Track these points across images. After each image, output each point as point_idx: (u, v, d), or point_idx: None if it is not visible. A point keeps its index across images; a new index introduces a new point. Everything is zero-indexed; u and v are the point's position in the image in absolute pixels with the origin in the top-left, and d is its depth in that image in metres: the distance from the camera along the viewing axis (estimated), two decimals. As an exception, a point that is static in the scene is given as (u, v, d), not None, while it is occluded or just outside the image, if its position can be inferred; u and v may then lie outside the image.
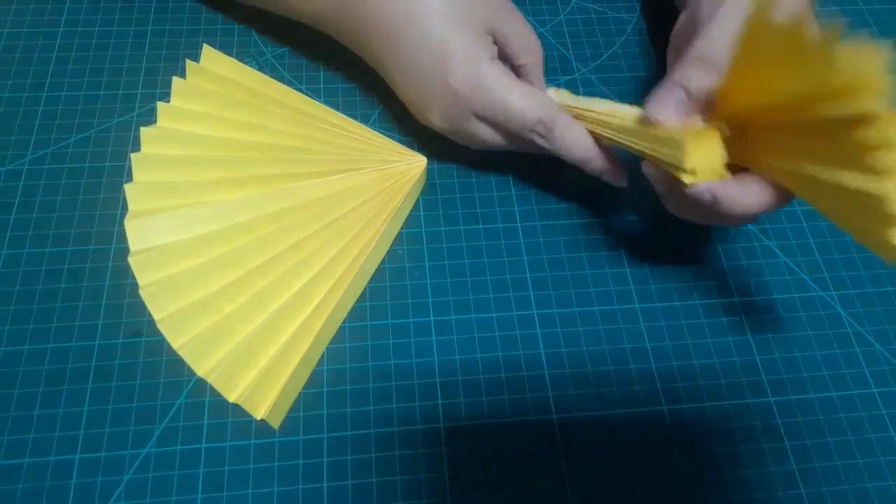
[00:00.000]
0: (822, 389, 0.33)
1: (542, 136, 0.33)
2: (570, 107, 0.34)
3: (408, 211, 0.37)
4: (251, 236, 0.34)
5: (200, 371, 0.31)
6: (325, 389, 0.32)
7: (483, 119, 0.34)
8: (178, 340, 0.31)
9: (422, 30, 0.33)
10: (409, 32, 0.34)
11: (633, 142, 0.30)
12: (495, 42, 0.35)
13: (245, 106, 0.37)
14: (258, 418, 0.30)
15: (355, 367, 0.33)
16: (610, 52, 0.45)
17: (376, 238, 0.34)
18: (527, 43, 0.35)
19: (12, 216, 0.36)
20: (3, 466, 0.30)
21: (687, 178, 0.27)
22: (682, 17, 0.35)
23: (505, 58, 0.36)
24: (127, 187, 0.35)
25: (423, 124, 0.37)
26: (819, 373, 0.34)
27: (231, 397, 0.31)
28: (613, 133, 0.31)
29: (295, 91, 0.38)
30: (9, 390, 0.31)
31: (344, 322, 0.34)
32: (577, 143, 0.32)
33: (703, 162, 0.27)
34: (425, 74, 0.34)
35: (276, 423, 0.31)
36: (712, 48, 0.29)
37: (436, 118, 0.35)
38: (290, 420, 0.31)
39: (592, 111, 0.33)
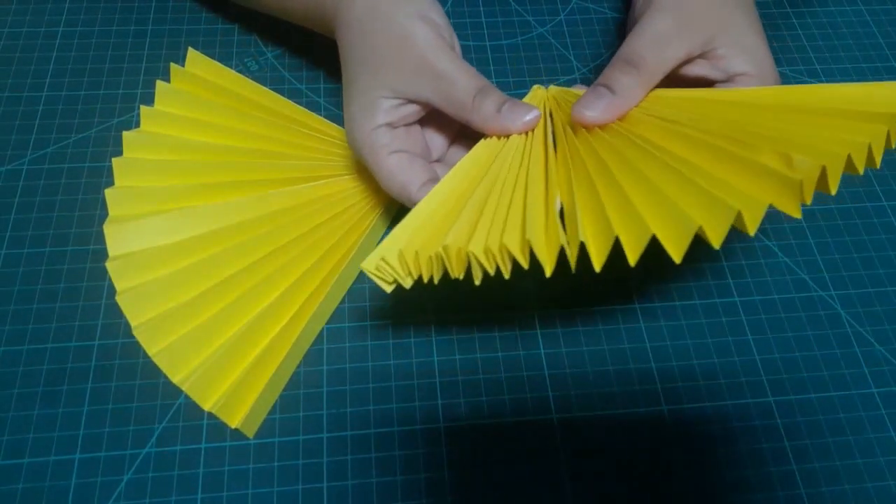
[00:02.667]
0: (822, 389, 0.33)
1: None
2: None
3: (391, 217, 0.37)
4: (230, 243, 0.34)
5: (175, 379, 0.31)
6: (324, 389, 0.32)
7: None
8: (154, 348, 0.31)
9: (343, 67, 0.34)
10: (341, 64, 0.34)
11: None
12: (413, 102, 0.32)
13: (228, 110, 0.37)
14: (233, 427, 0.30)
15: (355, 367, 0.33)
16: (610, 52, 0.45)
17: (357, 245, 0.34)
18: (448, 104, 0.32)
19: (12, 216, 0.36)
20: (3, 466, 0.30)
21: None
22: (632, 9, 0.36)
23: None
24: (107, 192, 0.35)
25: None
26: (819, 373, 0.34)
27: (206, 406, 0.31)
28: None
29: (280, 96, 0.38)
30: (9, 390, 0.31)
31: (344, 322, 0.34)
32: None
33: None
34: (345, 114, 0.33)
35: (250, 432, 0.31)
36: (634, 52, 0.31)
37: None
38: (290, 420, 0.31)
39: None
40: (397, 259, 0.27)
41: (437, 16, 0.32)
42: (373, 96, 0.31)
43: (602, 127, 0.30)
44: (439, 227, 0.28)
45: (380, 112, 0.31)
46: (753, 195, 0.23)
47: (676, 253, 0.22)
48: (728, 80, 0.32)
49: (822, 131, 0.25)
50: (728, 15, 0.32)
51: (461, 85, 0.30)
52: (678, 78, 0.33)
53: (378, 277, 0.28)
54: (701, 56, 0.32)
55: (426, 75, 0.31)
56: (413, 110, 0.32)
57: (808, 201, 0.23)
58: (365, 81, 0.32)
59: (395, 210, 0.37)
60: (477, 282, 0.26)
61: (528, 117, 0.30)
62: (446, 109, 0.31)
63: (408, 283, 0.28)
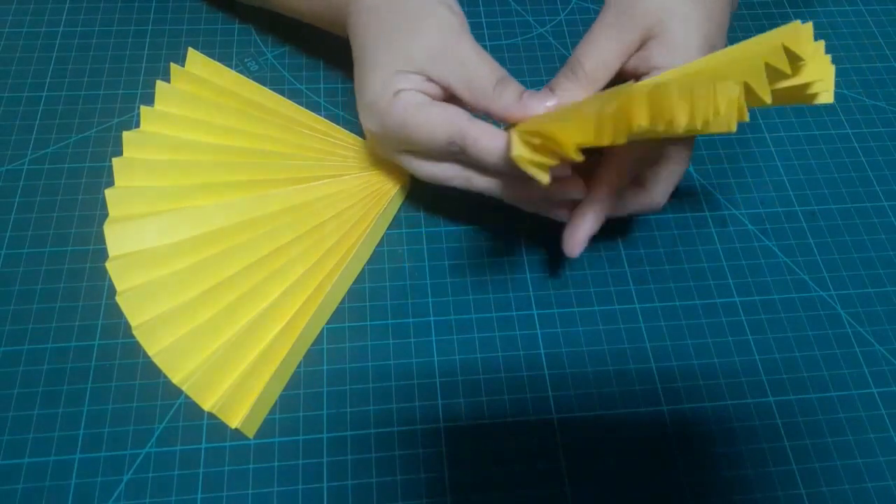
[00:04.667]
0: (822, 389, 0.33)
1: (461, 152, 0.31)
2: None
3: (391, 218, 0.37)
4: (230, 243, 0.34)
5: (175, 379, 0.31)
6: (324, 389, 0.32)
7: (402, 146, 0.32)
8: (154, 348, 0.31)
9: (356, 51, 0.33)
10: (354, 49, 0.34)
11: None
12: (434, 82, 0.31)
13: (228, 110, 0.37)
14: (233, 427, 0.30)
15: (355, 367, 0.33)
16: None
17: (357, 246, 0.34)
18: (466, 86, 0.31)
19: (12, 216, 0.36)
20: (3, 466, 0.30)
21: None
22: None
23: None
24: (107, 192, 0.35)
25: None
26: (819, 373, 0.34)
27: (206, 406, 0.31)
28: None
29: (279, 95, 0.38)
30: (9, 390, 0.31)
31: (344, 322, 0.34)
32: (493, 151, 0.30)
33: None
34: (360, 97, 0.33)
35: (250, 433, 0.31)
36: (575, 58, 0.31)
37: (368, 138, 0.34)
38: (290, 420, 0.31)
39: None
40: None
41: (456, 5, 0.33)
42: (394, 69, 0.31)
43: None
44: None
45: (402, 81, 0.31)
46: None
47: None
48: (647, 74, 0.31)
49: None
50: (670, 4, 0.31)
51: (483, 73, 0.30)
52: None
53: (533, 163, 0.26)
54: (639, 49, 0.32)
55: (448, 60, 0.30)
56: (434, 90, 0.31)
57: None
58: (384, 58, 0.31)
59: (395, 210, 0.37)
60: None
61: (549, 103, 0.30)
62: (464, 96, 0.31)
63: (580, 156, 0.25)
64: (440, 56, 0.30)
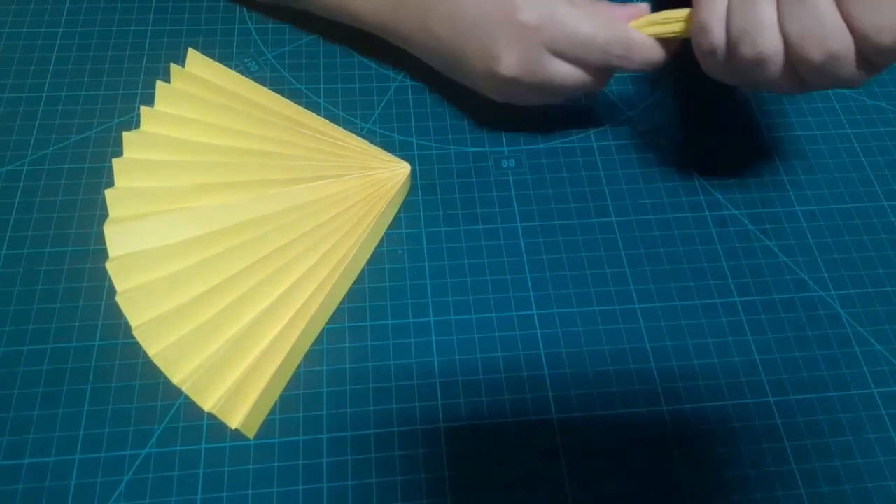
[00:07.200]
0: (822, 389, 0.33)
1: (621, 59, 0.33)
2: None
3: (390, 218, 0.37)
4: (230, 243, 0.34)
5: (175, 380, 0.31)
6: (324, 390, 0.32)
7: (557, 53, 0.33)
8: (154, 348, 0.31)
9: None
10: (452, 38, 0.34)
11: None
12: None
13: (229, 111, 0.37)
14: (233, 427, 0.30)
15: (355, 368, 0.33)
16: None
17: (357, 246, 0.34)
18: None
19: (12, 216, 0.36)
20: (3, 467, 0.30)
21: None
22: None
23: None
24: (107, 192, 0.35)
25: (484, 96, 0.37)
26: (819, 373, 0.34)
27: (206, 406, 0.31)
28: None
29: (280, 96, 0.38)
30: (9, 391, 0.31)
31: (344, 323, 0.34)
32: (653, 54, 0.33)
33: None
34: (490, 18, 0.33)
35: (250, 433, 0.31)
36: None
37: (505, 66, 0.34)
38: (290, 421, 0.31)
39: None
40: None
41: None
42: None
43: None
44: None
45: None
46: None
47: None
48: None
49: None
50: None
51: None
52: None
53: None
54: None
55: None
56: None
57: None
58: None
59: (395, 210, 0.37)
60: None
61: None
62: None
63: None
64: None
